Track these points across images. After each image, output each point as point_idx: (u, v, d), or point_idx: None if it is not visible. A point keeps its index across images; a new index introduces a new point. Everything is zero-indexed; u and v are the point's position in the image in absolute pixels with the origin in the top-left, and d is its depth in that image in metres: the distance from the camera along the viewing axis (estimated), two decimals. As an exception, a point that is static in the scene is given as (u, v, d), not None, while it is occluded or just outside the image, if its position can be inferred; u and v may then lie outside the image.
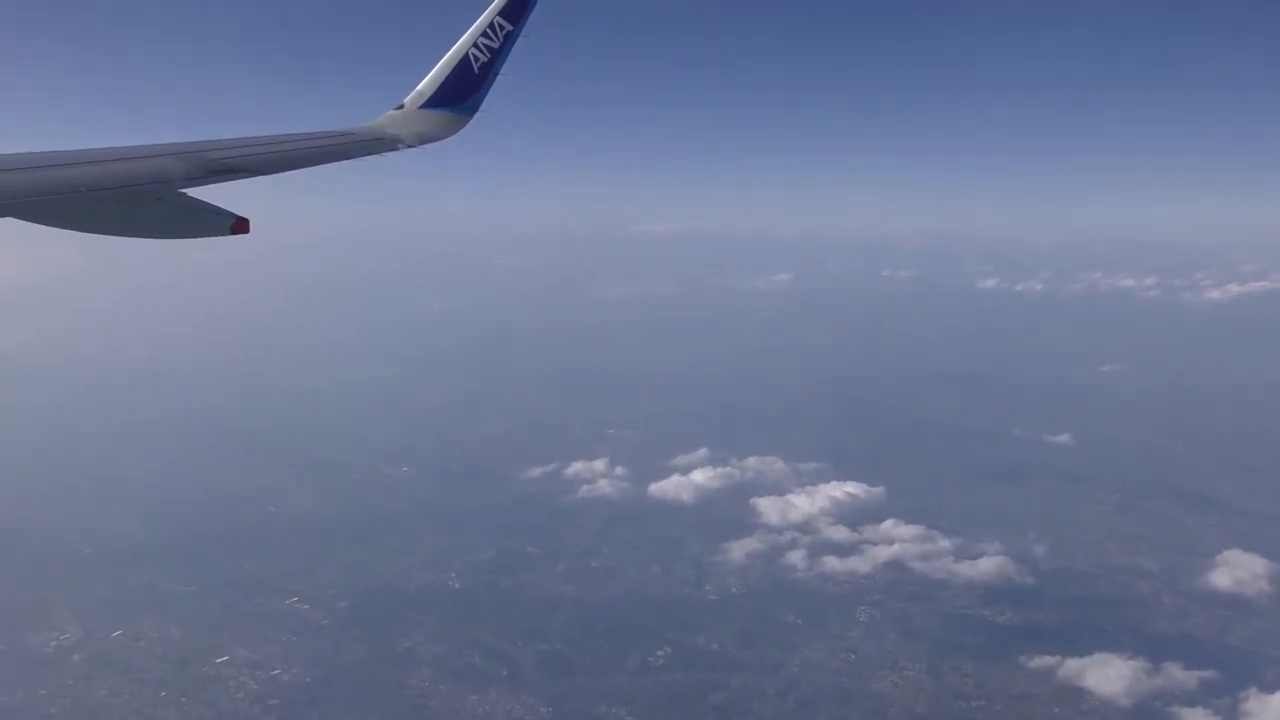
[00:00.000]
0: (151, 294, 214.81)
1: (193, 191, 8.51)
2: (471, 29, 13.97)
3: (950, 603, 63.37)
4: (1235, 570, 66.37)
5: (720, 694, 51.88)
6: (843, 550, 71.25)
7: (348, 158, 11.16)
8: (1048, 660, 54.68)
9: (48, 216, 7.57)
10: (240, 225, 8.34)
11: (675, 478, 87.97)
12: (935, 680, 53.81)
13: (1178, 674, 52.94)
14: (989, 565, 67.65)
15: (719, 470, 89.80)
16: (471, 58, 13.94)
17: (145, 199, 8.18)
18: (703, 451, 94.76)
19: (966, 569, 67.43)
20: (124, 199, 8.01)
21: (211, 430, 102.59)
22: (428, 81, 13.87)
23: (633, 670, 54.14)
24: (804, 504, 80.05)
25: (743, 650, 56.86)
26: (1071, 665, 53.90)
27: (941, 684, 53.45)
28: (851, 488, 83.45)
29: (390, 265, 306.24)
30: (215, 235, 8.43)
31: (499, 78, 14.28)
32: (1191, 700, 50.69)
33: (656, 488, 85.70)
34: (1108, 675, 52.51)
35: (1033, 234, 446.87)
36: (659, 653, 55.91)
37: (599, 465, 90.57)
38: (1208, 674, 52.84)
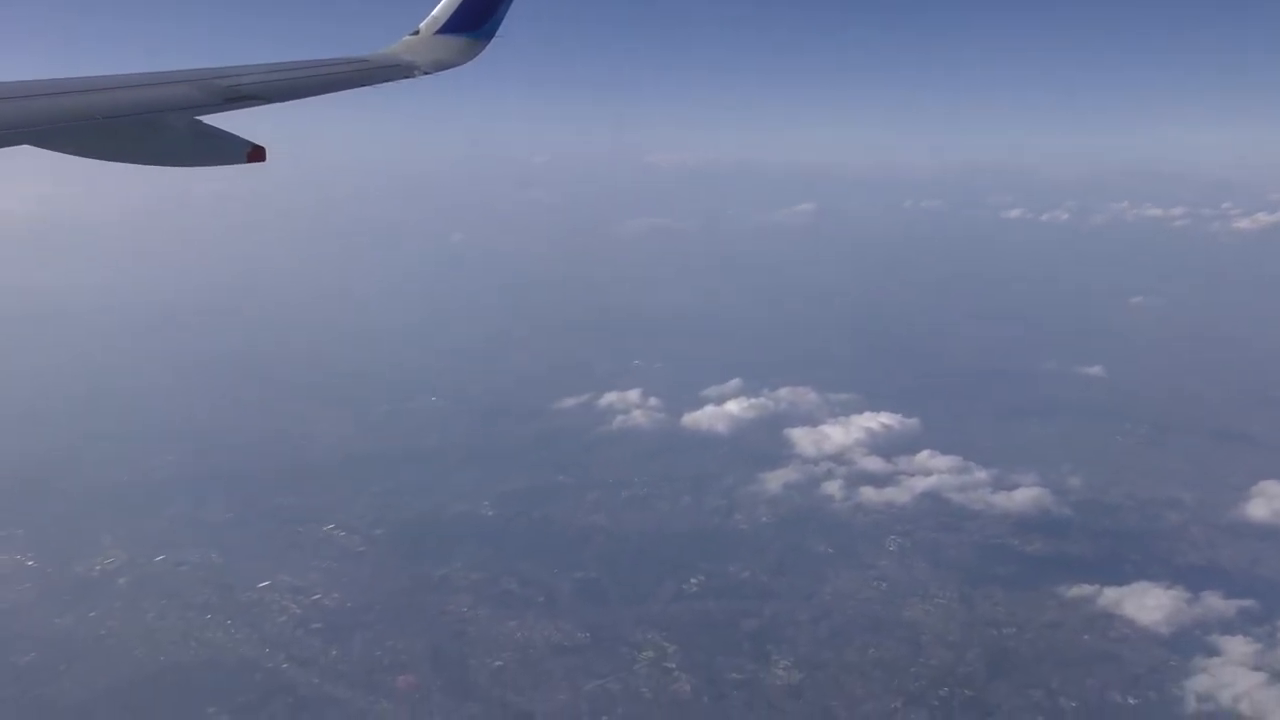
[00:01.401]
0: (173, 227, 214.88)
1: (209, 119, 8.38)
2: None
3: (982, 533, 63.49)
4: (1274, 502, 66.05)
5: (753, 621, 52.32)
6: (879, 481, 71.26)
7: (364, 84, 10.89)
8: (1086, 589, 54.87)
9: (64, 144, 7.53)
10: (257, 153, 8.38)
11: (709, 408, 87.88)
12: (967, 609, 54.09)
13: (1216, 603, 52.94)
14: (1025, 496, 67.64)
15: (752, 401, 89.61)
16: None
17: (161, 126, 8.08)
18: (735, 382, 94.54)
19: (1003, 500, 67.51)
20: (140, 126, 7.94)
21: (239, 367, 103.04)
22: (443, 6, 13.45)
23: (667, 598, 54.65)
24: (838, 435, 79.94)
25: (775, 579, 57.30)
26: (1110, 594, 54.09)
27: (974, 612, 53.73)
28: (886, 418, 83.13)
29: (407, 201, 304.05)
30: (232, 163, 8.42)
31: (515, 2, 13.76)
32: (1230, 629, 50.79)
33: (690, 418, 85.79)
34: (1146, 604, 52.68)
35: (1054, 165, 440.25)
36: (692, 581, 56.41)
37: (632, 396, 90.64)
38: (1247, 603, 52.83)
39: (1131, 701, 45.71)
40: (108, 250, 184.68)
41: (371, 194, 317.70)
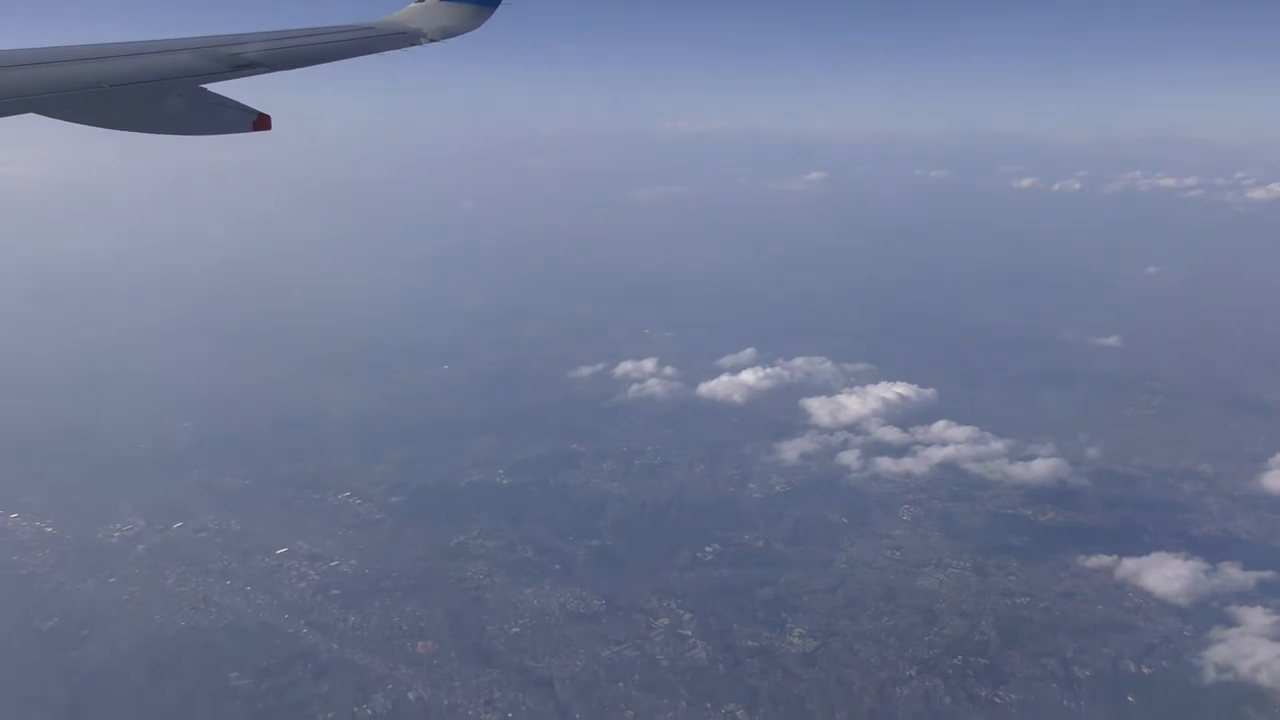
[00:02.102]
0: (183, 196, 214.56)
1: (214, 87, 8.36)
2: None
3: (997, 503, 63.30)
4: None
5: (769, 589, 52.37)
6: (895, 451, 71.16)
7: (369, 52, 10.78)
8: (1103, 560, 54.77)
9: (70, 112, 7.51)
10: (262, 122, 8.38)
11: (725, 378, 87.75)
12: (981, 578, 54.02)
13: (1235, 574, 52.74)
14: (1043, 467, 67.40)
15: (768, 370, 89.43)
16: None
17: (167, 94, 8.05)
18: (749, 352, 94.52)
19: (1020, 470, 67.34)
20: (146, 94, 7.91)
21: (251, 335, 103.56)
22: None
23: (682, 566, 54.75)
24: (854, 405, 79.76)
25: (790, 548, 57.33)
26: (1127, 565, 53.98)
27: (988, 581, 53.68)
28: (902, 389, 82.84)
29: (416, 166, 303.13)
30: (238, 131, 8.44)
31: None
32: (1249, 600, 50.57)
33: (706, 388, 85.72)
34: (1165, 575, 52.53)
35: (1066, 133, 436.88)
36: (707, 549, 56.50)
37: (648, 365, 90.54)
38: (1266, 575, 52.58)
39: (1146, 671, 45.65)
40: (118, 218, 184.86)
41: (380, 163, 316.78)
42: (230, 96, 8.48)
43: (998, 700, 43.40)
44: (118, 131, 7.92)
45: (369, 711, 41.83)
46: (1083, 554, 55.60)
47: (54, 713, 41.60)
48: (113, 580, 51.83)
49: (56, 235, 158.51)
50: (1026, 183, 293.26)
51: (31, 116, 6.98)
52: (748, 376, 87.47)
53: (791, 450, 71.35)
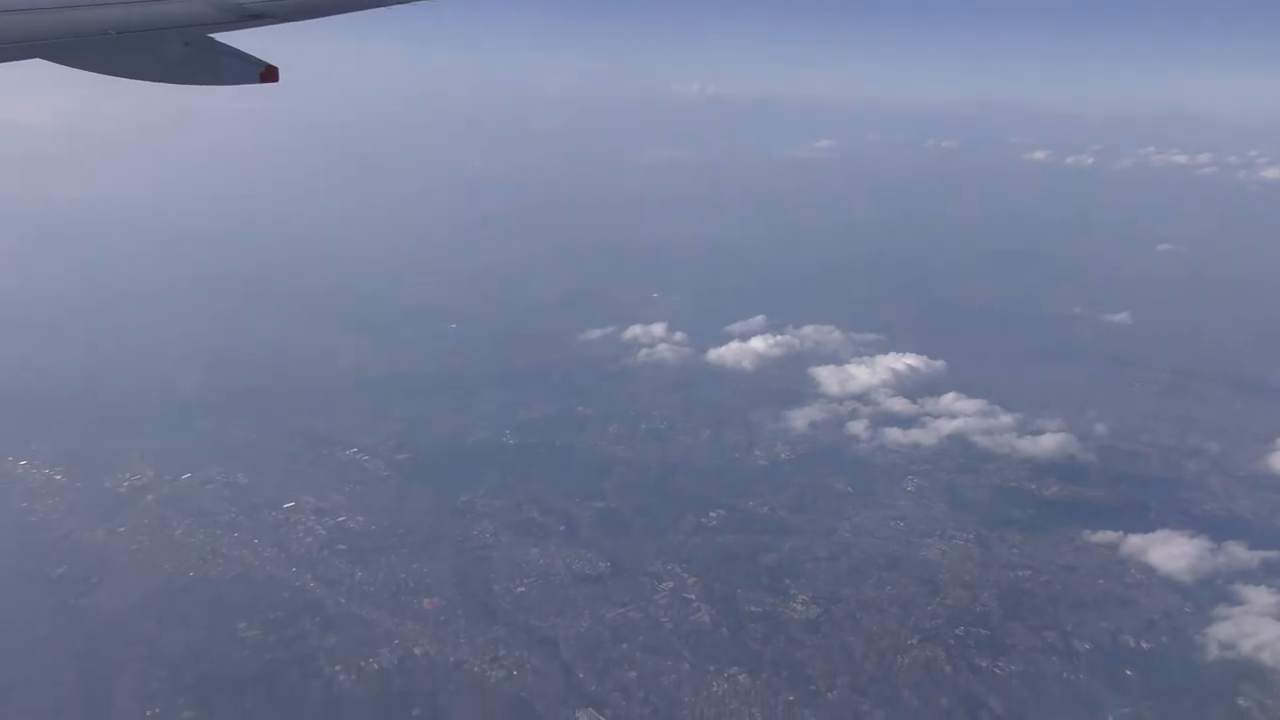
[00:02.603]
0: (189, 148, 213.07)
1: (222, 37, 8.15)
2: None
3: (1001, 475, 63.36)
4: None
5: (772, 556, 52.56)
6: (904, 422, 71.08)
7: (379, 5, 10.48)
8: (1109, 535, 54.88)
9: (75, 59, 7.34)
10: (270, 74, 8.27)
11: (734, 344, 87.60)
12: (985, 550, 54.19)
13: (1240, 553, 52.78)
14: (1051, 442, 67.35)
15: (778, 338, 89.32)
16: None
17: (174, 42, 7.87)
18: (759, 319, 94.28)
19: (1029, 445, 67.30)
20: (153, 42, 7.70)
21: (259, 287, 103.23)
22: None
23: (687, 530, 54.93)
24: (863, 374, 79.71)
25: (794, 515, 57.48)
26: (1132, 541, 54.07)
27: (991, 554, 53.85)
28: (912, 359, 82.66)
29: (424, 124, 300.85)
30: (245, 83, 8.31)
31: None
32: (1254, 579, 50.60)
33: (715, 354, 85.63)
34: (1170, 552, 52.61)
35: (1080, 106, 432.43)
36: (712, 514, 56.68)
37: (657, 330, 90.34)
38: (1271, 554, 52.61)
39: (1145, 646, 45.87)
40: (124, 169, 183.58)
41: (389, 120, 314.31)
42: (240, 43, 8.29)
43: (998, 671, 43.67)
44: (124, 80, 7.79)
45: (375, 666, 42.19)
46: (1087, 529, 55.73)
47: (62, 659, 41.92)
48: (121, 529, 52.11)
49: (62, 185, 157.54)
50: (1039, 155, 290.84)
51: (37, 62, 6.85)
52: (757, 344, 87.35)
53: (799, 418, 71.39)
